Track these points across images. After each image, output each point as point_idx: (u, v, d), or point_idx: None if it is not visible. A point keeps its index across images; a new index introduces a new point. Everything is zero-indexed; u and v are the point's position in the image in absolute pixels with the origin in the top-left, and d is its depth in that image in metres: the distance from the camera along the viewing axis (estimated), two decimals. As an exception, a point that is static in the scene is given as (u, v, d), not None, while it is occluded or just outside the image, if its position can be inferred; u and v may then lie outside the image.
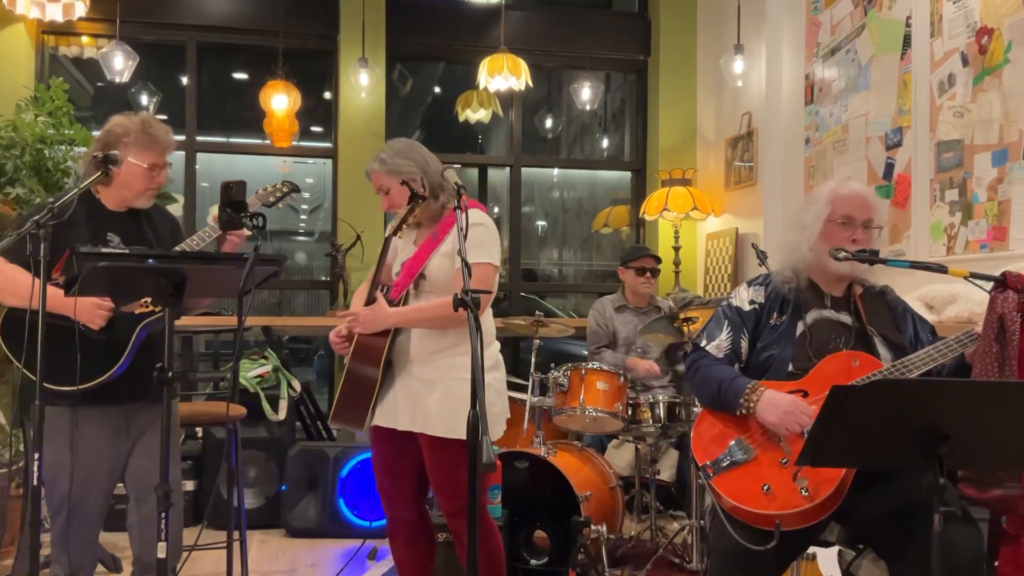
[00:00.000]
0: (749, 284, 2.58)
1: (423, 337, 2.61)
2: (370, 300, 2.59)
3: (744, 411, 2.31)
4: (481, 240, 2.59)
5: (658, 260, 4.46)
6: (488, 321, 2.69)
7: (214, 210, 2.59)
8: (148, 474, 2.60)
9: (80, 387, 2.45)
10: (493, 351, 2.69)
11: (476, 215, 2.60)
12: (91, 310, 2.43)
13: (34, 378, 2.26)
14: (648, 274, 4.38)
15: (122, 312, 2.50)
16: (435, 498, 2.69)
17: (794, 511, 2.15)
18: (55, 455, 2.51)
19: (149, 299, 2.53)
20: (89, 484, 2.56)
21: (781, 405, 2.26)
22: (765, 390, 2.31)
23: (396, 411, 2.63)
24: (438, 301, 2.53)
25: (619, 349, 4.41)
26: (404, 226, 2.54)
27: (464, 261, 2.10)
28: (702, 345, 2.50)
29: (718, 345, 2.47)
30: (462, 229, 2.20)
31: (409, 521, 2.74)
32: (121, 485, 2.68)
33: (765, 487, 2.20)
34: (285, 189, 2.87)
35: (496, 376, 2.66)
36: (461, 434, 2.45)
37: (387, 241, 2.60)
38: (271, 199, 2.85)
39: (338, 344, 2.69)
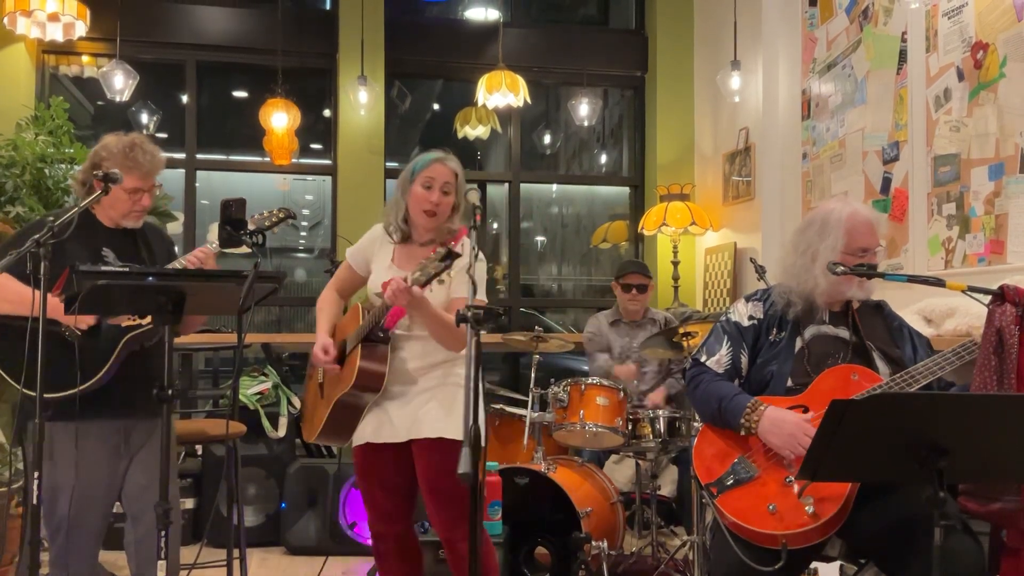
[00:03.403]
0: (747, 299, 2.57)
1: (425, 354, 2.61)
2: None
3: (745, 431, 2.30)
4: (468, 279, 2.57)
5: (647, 276, 4.45)
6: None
7: (214, 228, 2.60)
8: (145, 492, 2.60)
9: (59, 395, 2.43)
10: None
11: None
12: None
13: (17, 386, 2.29)
14: (634, 291, 4.37)
15: (108, 324, 2.51)
16: (428, 508, 2.65)
17: (800, 531, 2.14)
18: (53, 475, 2.50)
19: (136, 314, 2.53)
20: (87, 503, 2.55)
21: (785, 427, 2.24)
22: (766, 408, 2.29)
23: (392, 425, 2.62)
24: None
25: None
26: (432, 282, 2.39)
27: (472, 280, 2.12)
28: (702, 360, 2.49)
29: (718, 360, 2.46)
30: (474, 248, 2.21)
31: (402, 535, 2.75)
32: (118, 503, 2.68)
33: (771, 507, 2.19)
34: (281, 215, 2.88)
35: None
36: (459, 435, 2.49)
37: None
38: (267, 223, 2.86)
39: (325, 360, 2.65)
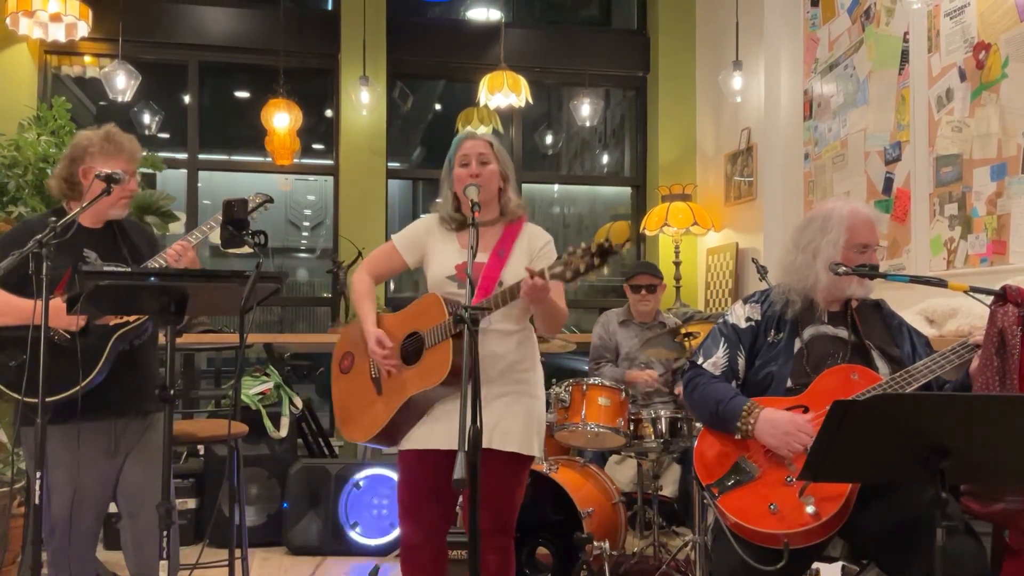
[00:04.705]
0: (745, 301, 2.57)
1: (497, 354, 2.53)
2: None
3: (742, 435, 2.30)
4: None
5: (658, 276, 4.44)
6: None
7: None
8: (139, 491, 2.61)
9: (55, 398, 2.43)
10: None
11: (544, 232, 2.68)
12: (67, 316, 2.38)
13: (17, 397, 2.31)
14: (644, 291, 4.36)
15: (96, 324, 2.51)
16: (484, 514, 2.42)
17: (801, 530, 2.14)
18: (47, 477, 2.50)
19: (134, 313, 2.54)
20: (81, 504, 2.56)
21: (779, 426, 2.24)
22: (762, 410, 2.28)
23: (451, 432, 2.40)
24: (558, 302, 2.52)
25: (621, 364, 4.40)
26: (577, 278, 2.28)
27: (469, 279, 2.15)
28: (699, 363, 2.49)
29: (715, 362, 2.46)
30: (472, 248, 2.24)
31: (437, 541, 2.64)
32: (112, 503, 2.68)
33: (772, 506, 2.19)
34: (259, 200, 2.88)
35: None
36: (532, 451, 2.54)
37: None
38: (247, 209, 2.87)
39: (383, 354, 2.54)
